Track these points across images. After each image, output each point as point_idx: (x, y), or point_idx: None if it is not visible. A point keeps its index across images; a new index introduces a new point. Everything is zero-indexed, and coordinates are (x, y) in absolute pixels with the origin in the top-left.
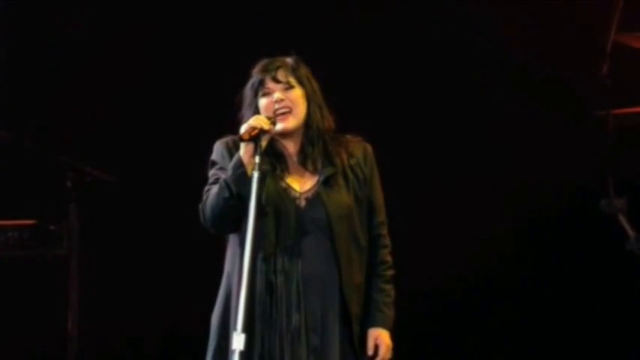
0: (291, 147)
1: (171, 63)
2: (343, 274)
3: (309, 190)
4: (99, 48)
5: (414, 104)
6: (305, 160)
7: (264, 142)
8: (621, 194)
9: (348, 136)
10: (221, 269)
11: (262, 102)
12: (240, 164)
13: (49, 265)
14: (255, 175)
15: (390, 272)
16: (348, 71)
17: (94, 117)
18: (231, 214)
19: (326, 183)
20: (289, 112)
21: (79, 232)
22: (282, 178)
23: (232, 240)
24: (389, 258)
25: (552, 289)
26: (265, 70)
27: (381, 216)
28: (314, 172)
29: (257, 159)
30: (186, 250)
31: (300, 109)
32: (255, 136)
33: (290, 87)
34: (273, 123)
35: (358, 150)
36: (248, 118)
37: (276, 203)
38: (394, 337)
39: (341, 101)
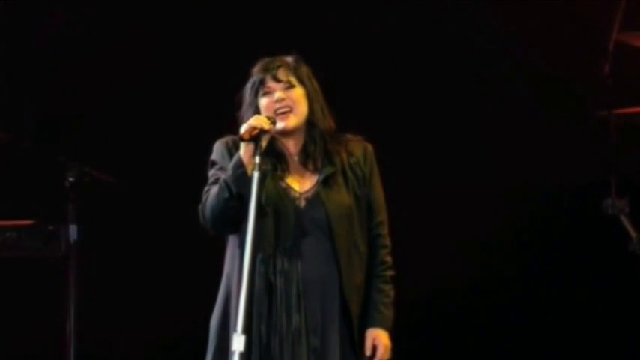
0: (291, 146)
1: (170, 63)
2: (343, 275)
3: (309, 190)
4: (97, 48)
5: (414, 104)
6: (306, 160)
7: (264, 142)
8: (623, 195)
9: (349, 136)
10: (220, 270)
11: (263, 101)
12: (240, 164)
13: (48, 265)
14: (256, 175)
15: (390, 272)
16: (348, 71)
17: (93, 117)
18: (231, 215)
19: (325, 183)
20: (290, 111)
21: (77, 232)
22: (282, 179)
23: (232, 241)
24: (389, 258)
25: (554, 290)
26: (266, 70)
27: (381, 216)
28: (314, 172)
29: (257, 159)
30: (186, 251)
31: (301, 108)
32: (255, 136)
33: (291, 86)
34: (273, 123)
35: (358, 149)
36: (248, 118)
37: (275, 204)
38: (393, 338)
39: (341, 101)
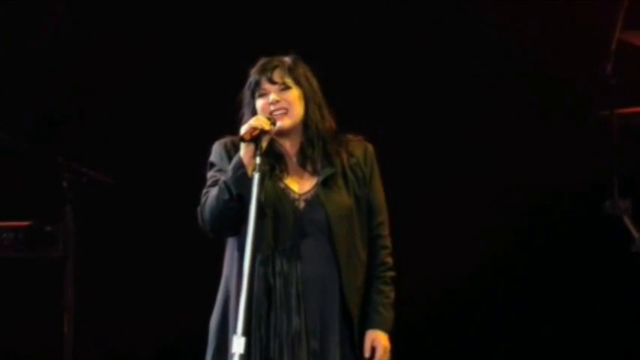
0: (289, 147)
1: (169, 63)
2: (343, 276)
3: (308, 191)
4: (96, 48)
5: (415, 104)
6: (304, 161)
7: (264, 143)
8: (626, 195)
9: (349, 136)
10: (219, 272)
11: (259, 103)
12: (240, 165)
13: (45, 267)
14: (256, 176)
15: (390, 274)
16: (348, 71)
17: (91, 117)
18: (231, 217)
19: (325, 184)
20: (285, 113)
21: (75, 233)
22: (281, 179)
23: (231, 243)
24: (389, 259)
25: (556, 291)
26: (262, 71)
27: (382, 216)
28: (313, 173)
29: (258, 160)
30: (184, 253)
31: (297, 110)
32: (256, 137)
33: (286, 88)
34: (274, 123)
35: (359, 149)
36: (247, 119)
37: (274, 205)
38: (393, 339)
39: (341, 101)
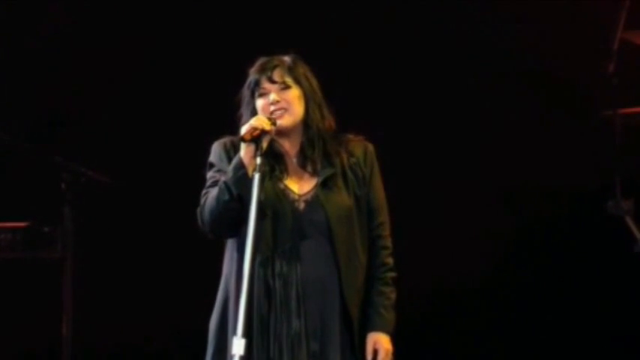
0: (289, 147)
1: (167, 63)
2: (343, 277)
3: (308, 192)
4: (94, 47)
5: (416, 104)
6: (304, 162)
7: (265, 143)
8: (629, 196)
9: (350, 136)
10: (219, 272)
11: (259, 103)
12: (241, 165)
13: (43, 267)
14: (257, 176)
15: (391, 274)
16: (348, 71)
17: (89, 117)
18: (231, 217)
19: (325, 185)
20: (285, 112)
21: (73, 234)
22: (281, 180)
23: (230, 243)
24: (389, 260)
25: (558, 291)
26: (261, 70)
27: (382, 217)
28: (313, 173)
29: (258, 160)
30: (183, 254)
31: (297, 109)
32: (256, 137)
33: (286, 87)
34: (274, 123)
35: (359, 149)
36: (246, 119)
37: (273, 206)
38: (395, 341)
39: (341, 101)
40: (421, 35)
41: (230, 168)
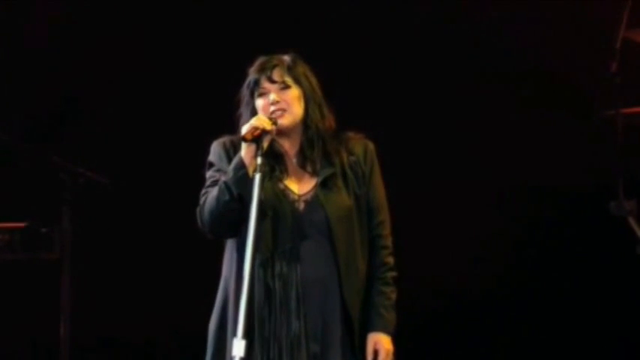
0: (289, 147)
1: (167, 62)
2: (343, 278)
3: (308, 192)
4: (93, 47)
5: (417, 104)
6: (304, 162)
7: (265, 143)
8: (631, 196)
9: (350, 134)
10: (219, 273)
11: (259, 102)
12: (241, 165)
13: (41, 268)
14: (257, 176)
15: (391, 274)
16: (348, 70)
17: (87, 117)
18: (231, 218)
19: (324, 185)
20: (285, 112)
21: (71, 235)
22: (281, 180)
23: (230, 244)
24: (390, 259)
25: (560, 292)
26: (261, 70)
27: (381, 215)
28: (313, 173)
29: (259, 160)
30: (183, 254)
31: (296, 109)
32: (257, 137)
33: (286, 87)
34: (275, 123)
35: (359, 147)
36: (246, 118)
37: (273, 206)
38: (396, 342)
39: (341, 100)
40: (421, 35)
41: (230, 168)
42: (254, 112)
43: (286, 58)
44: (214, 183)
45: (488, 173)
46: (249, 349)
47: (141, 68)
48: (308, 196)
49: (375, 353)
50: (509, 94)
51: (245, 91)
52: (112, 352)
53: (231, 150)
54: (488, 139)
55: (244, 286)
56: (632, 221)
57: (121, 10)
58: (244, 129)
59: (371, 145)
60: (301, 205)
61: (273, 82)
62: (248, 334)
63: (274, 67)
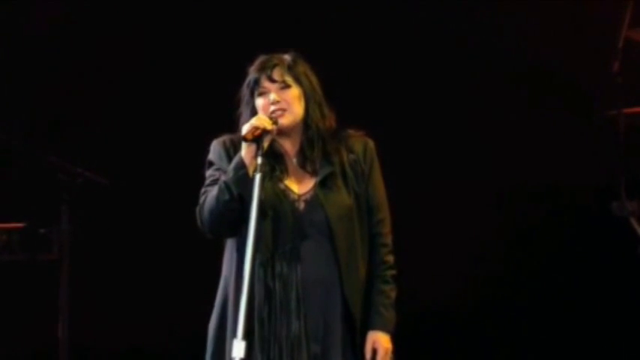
0: (289, 147)
1: (166, 62)
2: (344, 277)
3: (308, 192)
4: (92, 47)
5: (418, 105)
6: (304, 162)
7: (266, 143)
8: (633, 197)
9: (351, 131)
10: (218, 273)
11: (259, 102)
12: (241, 165)
13: (39, 269)
14: (258, 176)
15: (390, 272)
16: (348, 69)
17: (86, 117)
18: (231, 217)
19: (324, 184)
20: (285, 112)
21: (70, 235)
22: (281, 180)
23: (230, 243)
24: (389, 258)
25: (562, 293)
26: (261, 69)
27: (381, 213)
28: (313, 173)
29: (259, 160)
30: (182, 254)
31: (297, 109)
32: (258, 137)
33: (286, 86)
34: (275, 123)
35: (359, 145)
36: (246, 117)
37: (273, 206)
38: (395, 340)
39: (341, 99)
40: (421, 35)
41: (230, 168)
42: (254, 112)
43: (287, 57)
44: (214, 182)
45: (489, 173)
46: (249, 350)
47: (140, 67)
48: (308, 196)
49: (374, 352)
50: (511, 94)
51: (245, 90)
52: (111, 353)
53: (232, 149)
54: (489, 138)
55: (244, 286)
56: (634, 222)
57: (121, 10)
58: (245, 129)
59: (371, 143)
60: (301, 205)
61: (273, 81)
62: (248, 335)
63: (274, 66)
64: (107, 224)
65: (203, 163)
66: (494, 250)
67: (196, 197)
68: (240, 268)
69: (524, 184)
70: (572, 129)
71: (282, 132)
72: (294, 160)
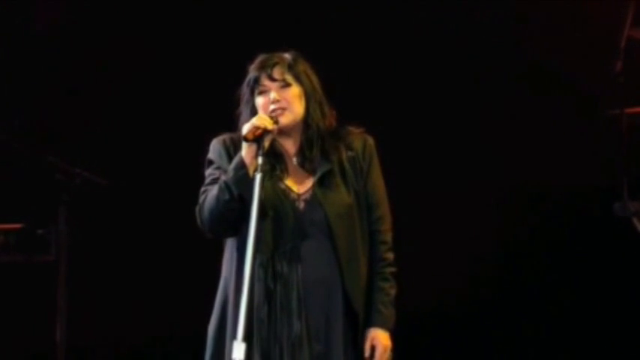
0: (289, 147)
1: (166, 61)
2: (345, 276)
3: (307, 191)
4: (91, 47)
5: (418, 105)
6: (304, 161)
7: (266, 143)
8: (635, 197)
9: (350, 128)
10: (218, 273)
11: (259, 101)
12: (242, 165)
13: (37, 270)
14: (258, 176)
15: (390, 270)
16: (348, 68)
17: (84, 117)
18: (231, 217)
19: (323, 183)
20: (285, 111)
21: (67, 236)
22: (281, 180)
23: (229, 243)
24: (389, 255)
25: (564, 293)
26: (261, 67)
27: (380, 210)
28: (312, 172)
29: (260, 160)
30: (182, 254)
31: (297, 108)
32: (259, 136)
33: (286, 85)
34: (276, 122)
35: (358, 142)
36: (246, 116)
37: (274, 206)
38: (395, 338)
39: (342, 98)
40: (421, 34)
41: (230, 167)
42: (254, 110)
43: (287, 56)
44: (214, 181)
45: (490, 172)
46: (249, 350)
47: (140, 67)
48: (307, 195)
49: (373, 349)
50: (512, 94)
51: (245, 89)
52: (110, 354)
53: (231, 148)
54: (490, 138)
55: (244, 287)
56: (636, 222)
57: (121, 10)
58: (245, 128)
59: (370, 140)
60: (302, 205)
61: (273, 80)
62: (248, 337)
63: (275, 64)
64: (105, 225)
65: (202, 162)
66: (495, 250)
67: (196, 197)
68: (241, 268)
69: (526, 184)
70: (574, 129)
71: (282, 131)
72: (294, 160)
